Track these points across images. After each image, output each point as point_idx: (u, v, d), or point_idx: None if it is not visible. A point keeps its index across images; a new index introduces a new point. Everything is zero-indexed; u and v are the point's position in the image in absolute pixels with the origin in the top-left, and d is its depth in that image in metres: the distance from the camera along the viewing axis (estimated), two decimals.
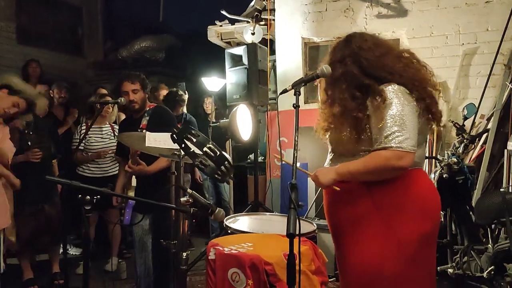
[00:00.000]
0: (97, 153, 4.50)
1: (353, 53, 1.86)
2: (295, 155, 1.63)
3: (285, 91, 1.98)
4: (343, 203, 1.86)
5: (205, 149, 1.69)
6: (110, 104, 4.38)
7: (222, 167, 1.70)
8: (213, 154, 1.70)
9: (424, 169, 2.01)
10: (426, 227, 1.77)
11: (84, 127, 4.55)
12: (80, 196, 1.80)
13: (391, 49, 1.92)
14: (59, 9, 10.23)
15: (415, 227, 1.74)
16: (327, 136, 2.00)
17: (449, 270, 3.44)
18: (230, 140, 5.57)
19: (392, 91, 1.74)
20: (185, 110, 5.60)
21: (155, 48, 10.51)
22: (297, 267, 1.43)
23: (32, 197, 3.89)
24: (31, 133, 3.96)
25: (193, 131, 1.72)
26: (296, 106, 1.81)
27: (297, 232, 1.41)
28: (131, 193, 3.25)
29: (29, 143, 3.93)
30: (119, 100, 3.18)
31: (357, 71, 1.83)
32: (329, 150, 2.03)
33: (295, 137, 1.68)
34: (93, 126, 4.43)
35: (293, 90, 1.89)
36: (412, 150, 1.69)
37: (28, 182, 3.76)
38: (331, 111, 1.91)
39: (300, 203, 1.66)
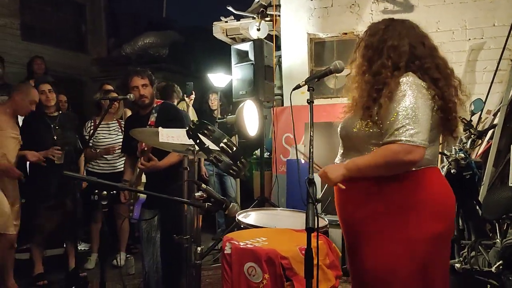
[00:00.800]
0: (106, 150, 4.52)
1: (411, 34, 1.84)
2: (311, 150, 1.64)
3: (298, 86, 1.99)
4: (354, 202, 1.84)
5: (221, 144, 1.71)
6: (117, 101, 4.40)
7: (238, 163, 1.72)
8: (229, 150, 1.71)
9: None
10: (438, 228, 1.73)
11: (92, 124, 4.57)
12: (96, 191, 1.82)
13: (435, 48, 1.90)
14: (63, 5, 10.23)
15: (427, 228, 1.70)
16: (339, 129, 1.97)
17: (457, 265, 3.45)
18: (236, 136, 5.58)
19: (406, 82, 1.71)
20: (191, 110, 5.62)
21: (159, 44, 10.51)
22: (315, 261, 1.44)
23: (53, 191, 3.90)
24: (57, 127, 4.01)
25: (209, 127, 1.73)
26: (310, 101, 1.82)
27: (316, 227, 1.42)
28: (141, 189, 3.27)
29: (55, 137, 3.99)
30: (128, 96, 3.20)
31: (409, 50, 1.80)
32: (340, 145, 2.00)
33: (310, 133, 1.69)
34: (102, 123, 4.46)
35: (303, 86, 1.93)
36: (423, 144, 1.65)
37: (50, 176, 3.79)
38: (362, 80, 1.87)
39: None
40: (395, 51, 1.79)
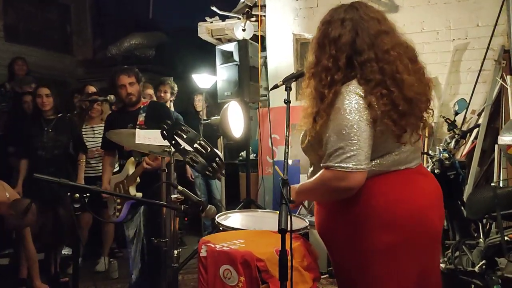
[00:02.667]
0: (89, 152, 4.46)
1: (356, 19, 1.60)
2: (287, 151, 1.61)
3: (276, 86, 1.97)
4: (320, 215, 1.77)
5: (195, 145, 1.67)
6: (98, 102, 4.34)
7: (213, 164, 1.68)
8: (203, 151, 1.68)
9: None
10: (388, 239, 1.56)
11: None
12: (69, 194, 1.77)
13: (394, 32, 1.64)
14: (47, 6, 10.11)
15: (377, 239, 1.57)
16: (300, 138, 1.78)
17: (441, 265, 3.45)
18: (222, 137, 5.54)
19: (344, 95, 1.52)
20: (171, 106, 5.56)
21: (145, 45, 10.44)
22: (289, 263, 1.41)
23: (42, 196, 3.83)
24: (50, 131, 4.00)
25: (183, 127, 1.69)
26: (287, 101, 1.79)
27: (289, 228, 1.38)
28: (132, 190, 3.19)
29: (45, 140, 3.99)
30: (108, 98, 3.17)
31: (351, 40, 1.57)
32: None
33: (286, 133, 1.66)
34: (85, 126, 4.40)
35: (283, 86, 1.88)
36: (358, 169, 1.47)
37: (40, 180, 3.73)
38: (311, 88, 1.65)
39: (292, 199, 1.64)
40: (336, 44, 1.58)
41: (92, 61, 10.74)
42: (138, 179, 3.07)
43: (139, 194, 3.03)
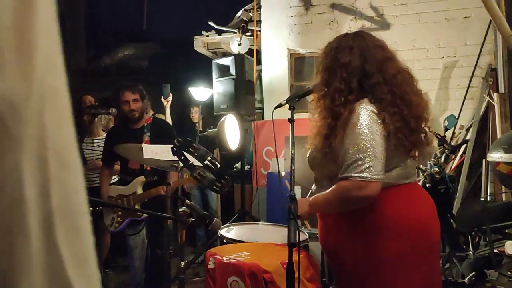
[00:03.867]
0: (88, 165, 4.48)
1: (363, 46, 1.73)
2: (293, 168, 1.70)
3: (279, 105, 2.06)
4: (325, 230, 1.85)
5: (206, 162, 1.76)
6: (99, 115, 4.38)
7: (222, 180, 1.77)
8: (213, 167, 1.76)
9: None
10: (396, 248, 1.65)
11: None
12: None
13: (396, 58, 1.79)
14: None
15: (388, 248, 1.66)
16: (307, 158, 1.89)
17: None
18: (217, 149, 5.61)
19: (359, 111, 1.64)
20: (168, 114, 5.62)
21: (139, 56, 10.52)
22: (296, 275, 1.50)
23: None
24: None
25: (194, 145, 1.78)
26: (291, 120, 1.90)
27: (297, 242, 1.48)
28: (138, 207, 3.24)
29: None
30: (110, 111, 3.23)
31: (360, 65, 1.70)
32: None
33: (292, 151, 1.76)
34: (86, 138, 4.44)
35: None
36: (375, 179, 1.58)
37: None
38: (322, 106, 1.77)
39: (303, 211, 1.73)
40: (347, 69, 1.71)
41: (86, 71, 10.78)
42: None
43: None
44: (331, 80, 1.74)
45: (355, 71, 1.70)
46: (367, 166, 1.58)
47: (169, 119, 5.62)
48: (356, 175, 1.58)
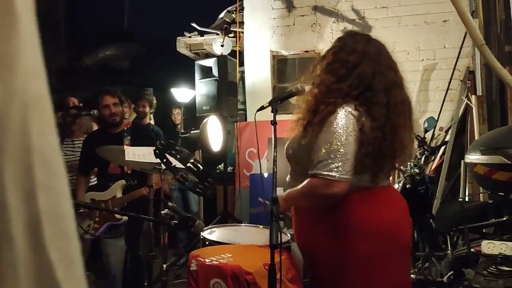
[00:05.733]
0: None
1: (377, 61, 1.73)
2: (275, 170, 1.72)
3: (262, 108, 2.07)
4: (298, 227, 1.89)
5: (188, 164, 1.76)
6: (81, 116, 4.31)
7: (205, 182, 1.77)
8: (196, 169, 1.76)
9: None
10: (367, 249, 1.68)
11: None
12: None
13: (403, 85, 1.80)
14: None
15: (354, 250, 1.69)
16: (285, 148, 1.91)
17: (412, 275, 3.61)
18: (199, 150, 5.60)
19: (340, 114, 1.66)
20: (151, 117, 5.59)
21: (120, 56, 10.42)
22: (278, 276, 1.51)
23: None
24: None
25: (176, 147, 1.78)
26: (274, 123, 1.91)
27: (279, 244, 1.49)
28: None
29: None
30: (92, 112, 3.20)
31: (370, 79, 1.70)
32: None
33: (274, 153, 1.77)
34: (66, 140, 4.37)
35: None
36: (343, 178, 1.60)
37: None
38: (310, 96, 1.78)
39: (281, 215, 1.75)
40: (360, 78, 1.71)
41: (65, 71, 10.62)
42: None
43: (125, 218, 3.06)
44: (341, 78, 1.72)
45: (365, 80, 1.71)
46: (336, 165, 1.60)
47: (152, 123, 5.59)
48: (324, 173, 1.61)
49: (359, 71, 1.71)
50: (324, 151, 1.63)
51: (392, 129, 1.70)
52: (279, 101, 2.00)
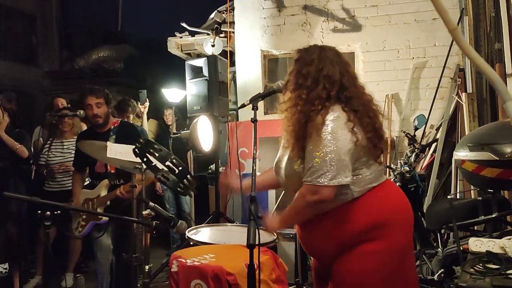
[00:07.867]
0: (51, 169, 4.39)
1: (341, 63, 1.85)
2: (254, 168, 1.70)
3: (243, 105, 2.06)
4: (306, 236, 1.89)
5: (167, 163, 1.74)
6: (68, 117, 4.29)
7: (185, 181, 1.75)
8: (175, 168, 1.74)
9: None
10: (373, 247, 1.73)
11: (48, 144, 4.45)
12: (39, 212, 1.79)
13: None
14: (12, 16, 9.91)
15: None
16: (280, 170, 1.89)
17: None
18: (191, 151, 5.58)
19: (331, 120, 1.70)
20: (145, 120, 5.58)
21: (113, 58, 10.38)
22: (257, 277, 1.49)
23: None
24: None
25: (155, 146, 1.76)
26: (254, 120, 1.89)
27: (257, 243, 1.47)
28: (100, 210, 3.19)
29: None
30: (78, 113, 3.17)
31: (340, 78, 1.80)
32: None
33: (253, 151, 1.75)
34: (55, 141, 4.35)
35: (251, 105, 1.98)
36: (330, 184, 1.63)
37: None
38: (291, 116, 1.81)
39: (259, 214, 1.73)
40: (330, 80, 1.78)
41: (59, 73, 10.58)
42: (108, 203, 3.09)
43: (105, 218, 3.06)
44: (312, 87, 1.79)
45: (335, 82, 1.79)
46: (324, 171, 1.64)
47: (146, 125, 5.57)
48: (312, 180, 1.65)
49: (324, 73, 1.79)
50: (313, 157, 1.66)
51: (372, 110, 1.83)
52: (260, 98, 1.98)
